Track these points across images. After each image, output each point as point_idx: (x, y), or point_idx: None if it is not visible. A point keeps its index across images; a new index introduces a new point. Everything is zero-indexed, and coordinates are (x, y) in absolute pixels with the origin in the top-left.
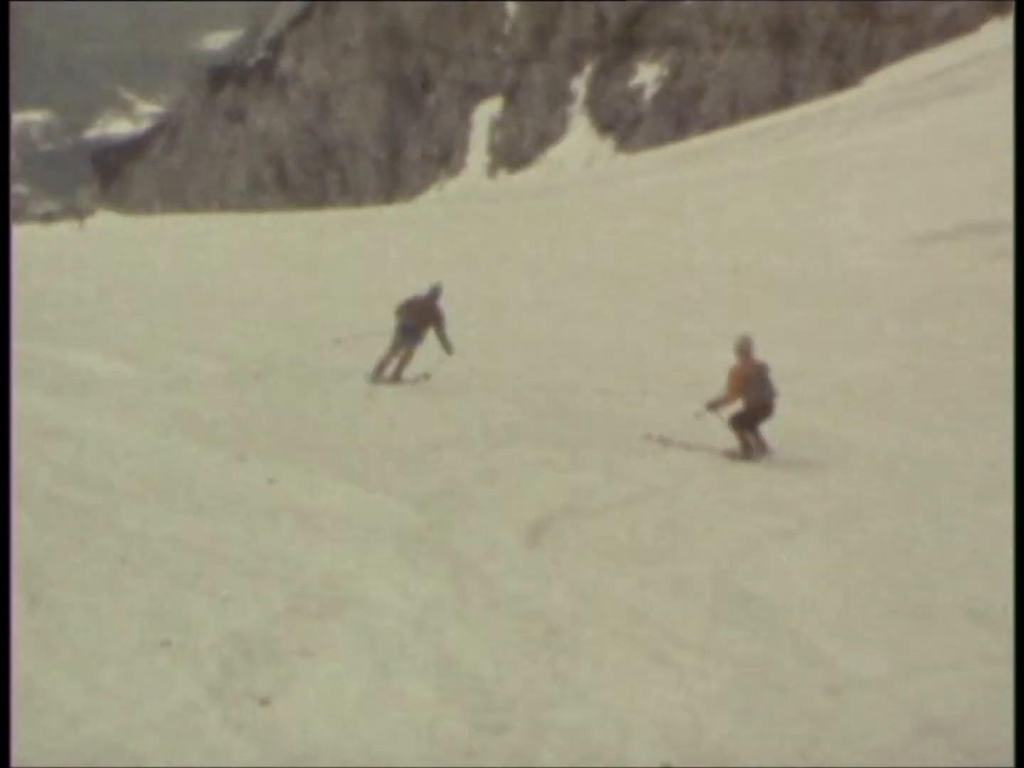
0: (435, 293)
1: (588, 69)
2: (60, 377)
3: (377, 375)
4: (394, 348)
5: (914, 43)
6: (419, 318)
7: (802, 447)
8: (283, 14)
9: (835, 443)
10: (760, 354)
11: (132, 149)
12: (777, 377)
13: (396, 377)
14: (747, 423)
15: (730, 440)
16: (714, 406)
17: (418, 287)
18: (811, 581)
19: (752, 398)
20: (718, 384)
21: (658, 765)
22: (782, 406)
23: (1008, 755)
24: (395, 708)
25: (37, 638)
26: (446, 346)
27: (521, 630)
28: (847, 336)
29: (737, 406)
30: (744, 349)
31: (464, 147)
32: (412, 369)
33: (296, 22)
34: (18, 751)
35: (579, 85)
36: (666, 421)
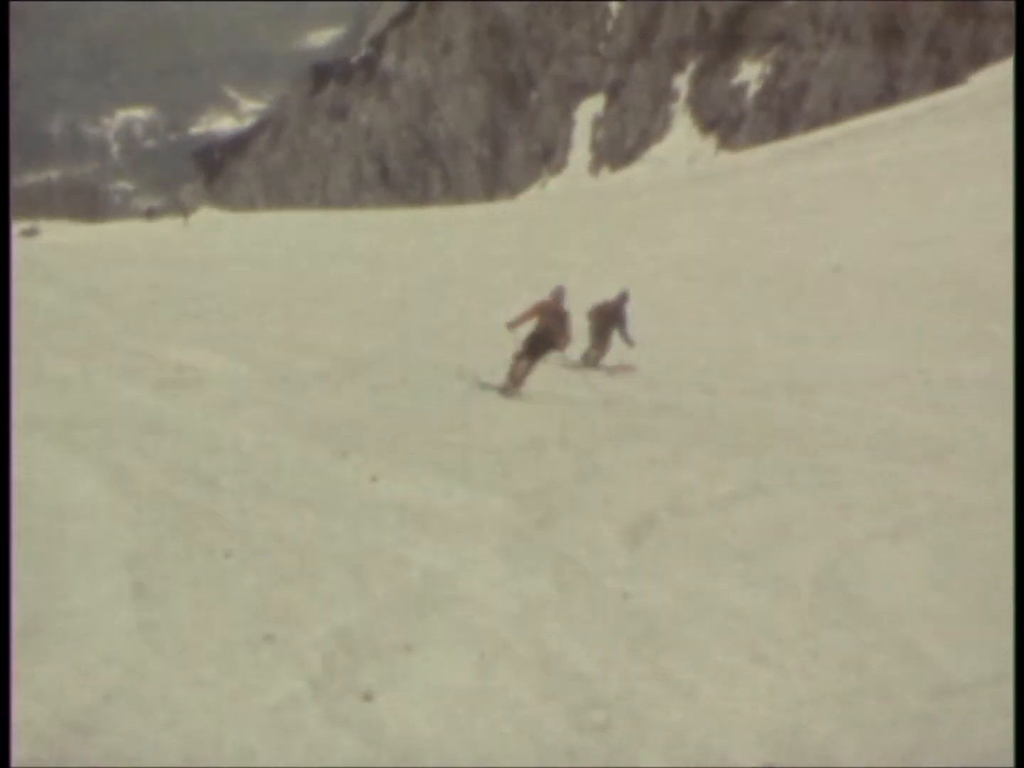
0: (623, 299)
1: (691, 67)
2: (164, 373)
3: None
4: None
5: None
6: (604, 321)
7: (908, 447)
8: (386, 12)
9: (941, 444)
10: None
11: (235, 146)
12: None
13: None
14: (529, 347)
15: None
16: (513, 324)
17: (523, 286)
18: (915, 583)
19: (542, 327)
20: (823, 384)
21: (760, 765)
22: (885, 406)
23: None
24: (497, 706)
25: (142, 631)
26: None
27: (623, 629)
28: (952, 336)
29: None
30: (556, 296)
31: (566, 145)
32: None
33: (399, 20)
34: (122, 745)
35: (682, 83)
36: (768, 420)
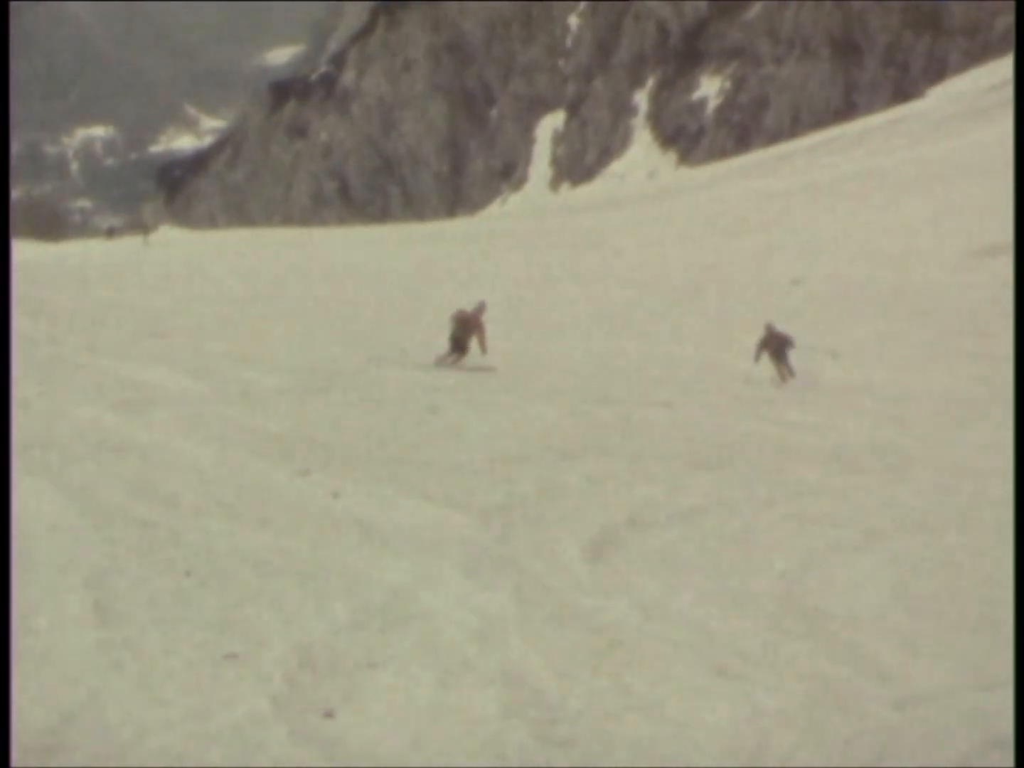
0: (480, 308)
1: (650, 82)
2: (125, 392)
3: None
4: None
5: (977, 54)
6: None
7: (868, 460)
8: (345, 29)
9: (901, 456)
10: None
11: (195, 164)
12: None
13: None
14: (454, 343)
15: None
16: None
17: (473, 301)
18: (876, 595)
19: (458, 331)
20: (782, 397)
21: None
22: (846, 419)
23: None
24: (460, 722)
25: (103, 650)
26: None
27: (585, 644)
28: (912, 349)
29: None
30: (478, 309)
31: (527, 161)
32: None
33: (358, 37)
34: (86, 763)
35: (641, 98)
36: (729, 434)
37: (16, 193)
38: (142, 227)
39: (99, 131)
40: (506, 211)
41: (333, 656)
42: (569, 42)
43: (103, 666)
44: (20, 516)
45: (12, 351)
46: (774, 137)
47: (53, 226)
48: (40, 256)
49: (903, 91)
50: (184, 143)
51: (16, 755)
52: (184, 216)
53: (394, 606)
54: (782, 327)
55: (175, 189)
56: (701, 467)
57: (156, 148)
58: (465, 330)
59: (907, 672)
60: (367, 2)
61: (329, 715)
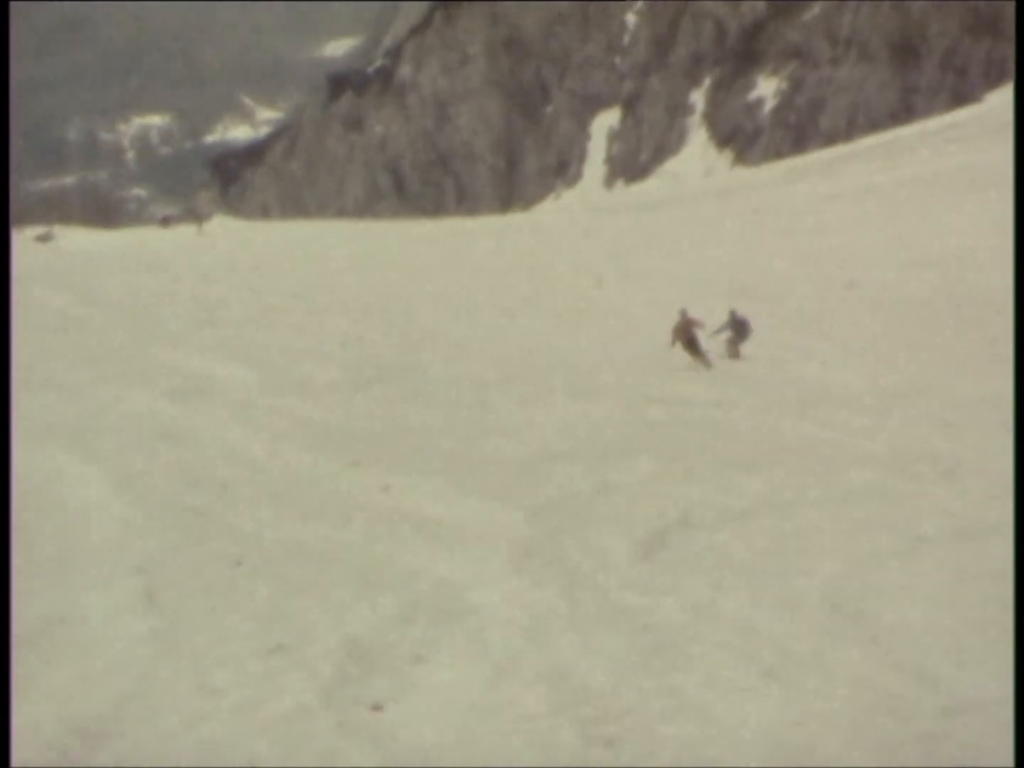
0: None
1: (707, 82)
2: (179, 381)
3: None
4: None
5: None
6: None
7: (918, 465)
8: (403, 22)
9: (951, 462)
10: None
11: (251, 155)
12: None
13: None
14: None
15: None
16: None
17: (536, 302)
18: (926, 601)
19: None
20: (835, 401)
21: None
22: (897, 423)
23: None
24: (507, 718)
25: (153, 638)
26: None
27: (633, 643)
28: (965, 355)
29: None
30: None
31: (581, 158)
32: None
33: (416, 30)
34: (131, 751)
35: (698, 98)
36: (779, 435)
37: (72, 180)
38: (196, 216)
39: (155, 120)
40: (559, 206)
41: (382, 649)
42: (626, 40)
43: (153, 654)
44: (72, 502)
45: (11, 354)
46: (830, 139)
47: (108, 213)
48: (95, 243)
49: (961, 95)
50: (240, 133)
51: (66, 739)
52: (238, 206)
53: (443, 601)
54: (742, 314)
55: (230, 179)
56: (751, 468)
57: (212, 138)
58: (687, 333)
59: (954, 680)
60: None
61: (377, 708)
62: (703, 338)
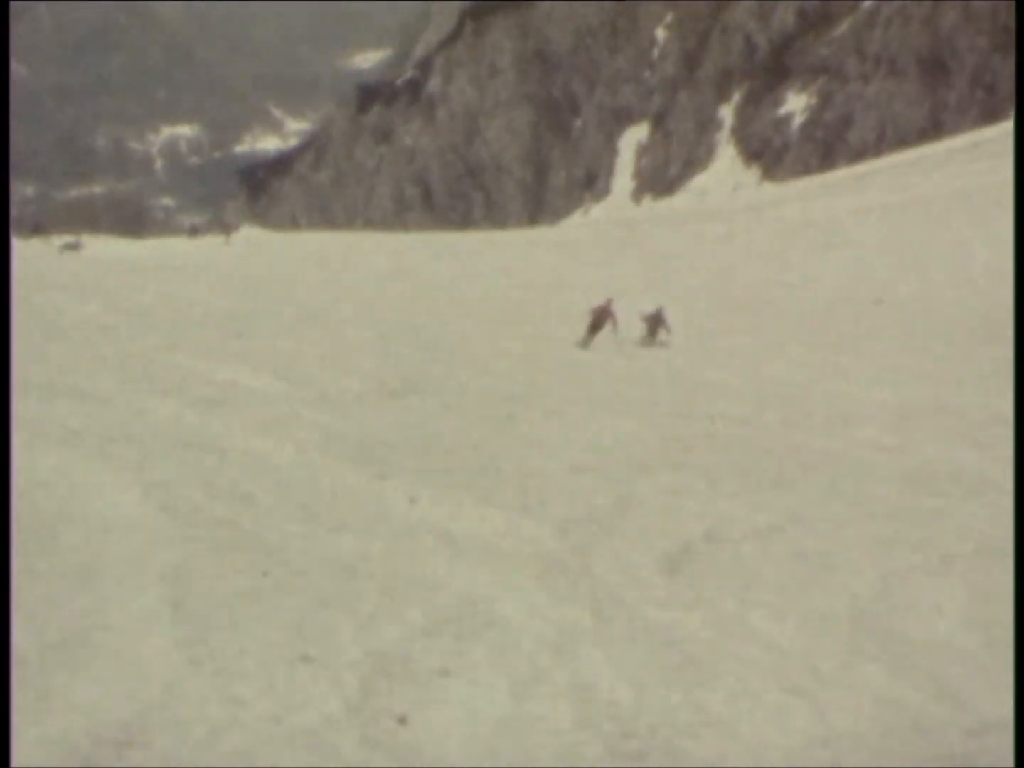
0: (609, 302)
1: (736, 97)
2: (207, 390)
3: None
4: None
5: None
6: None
7: (946, 483)
8: (433, 34)
9: (980, 480)
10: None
11: (279, 165)
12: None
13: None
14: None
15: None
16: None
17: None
18: (952, 620)
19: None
20: (862, 417)
21: None
22: (925, 440)
23: None
24: (533, 732)
25: (179, 648)
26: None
27: (659, 658)
28: (992, 373)
29: None
30: (607, 303)
31: (610, 172)
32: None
33: (445, 42)
34: (157, 761)
35: (726, 113)
36: (806, 452)
37: (100, 188)
38: (224, 226)
39: (184, 130)
40: (588, 221)
41: (407, 662)
42: (655, 54)
43: (178, 664)
44: (97, 510)
45: (12, 358)
46: (859, 155)
47: (136, 223)
48: (122, 252)
49: (991, 112)
50: (268, 144)
51: (91, 748)
52: (266, 217)
53: (469, 614)
54: (661, 310)
55: (258, 190)
56: (778, 484)
57: (240, 148)
58: (600, 318)
59: (981, 699)
60: (455, 6)
61: (402, 721)
62: (662, 330)
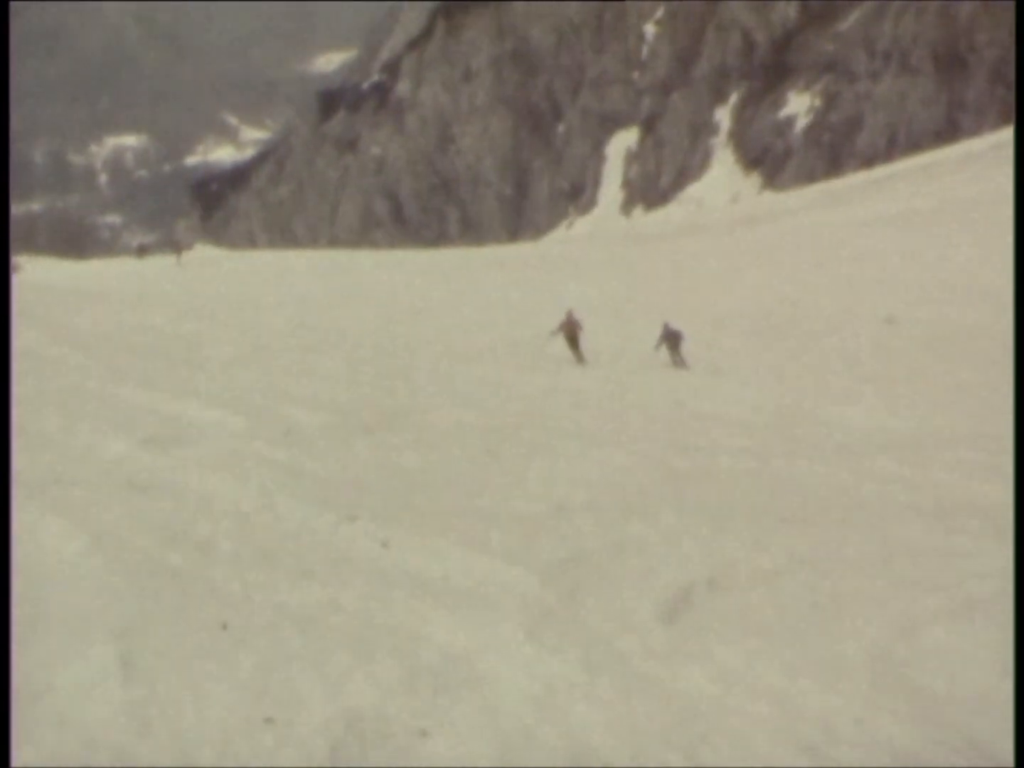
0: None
1: (733, 98)
2: (156, 426)
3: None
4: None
5: None
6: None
7: (967, 519)
8: (401, 33)
9: (1003, 515)
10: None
11: (235, 178)
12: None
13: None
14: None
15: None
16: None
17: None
18: (977, 668)
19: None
20: (875, 447)
21: None
22: (943, 472)
23: None
24: None
25: (131, 710)
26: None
27: (658, 715)
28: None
29: None
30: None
31: (596, 182)
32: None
33: (415, 42)
34: None
35: (723, 116)
36: (815, 487)
37: (38, 206)
38: (175, 245)
39: (130, 140)
40: (572, 236)
41: (382, 723)
42: (645, 52)
43: (129, 729)
44: (41, 561)
45: (13, 364)
46: (868, 160)
47: (78, 242)
48: (64, 275)
49: (1012, 112)
50: (222, 155)
51: None
52: (221, 234)
53: (448, 669)
54: (675, 325)
55: (212, 205)
56: (786, 523)
57: (192, 160)
58: (571, 330)
59: (1010, 756)
60: (425, 4)
61: None
62: (684, 347)
